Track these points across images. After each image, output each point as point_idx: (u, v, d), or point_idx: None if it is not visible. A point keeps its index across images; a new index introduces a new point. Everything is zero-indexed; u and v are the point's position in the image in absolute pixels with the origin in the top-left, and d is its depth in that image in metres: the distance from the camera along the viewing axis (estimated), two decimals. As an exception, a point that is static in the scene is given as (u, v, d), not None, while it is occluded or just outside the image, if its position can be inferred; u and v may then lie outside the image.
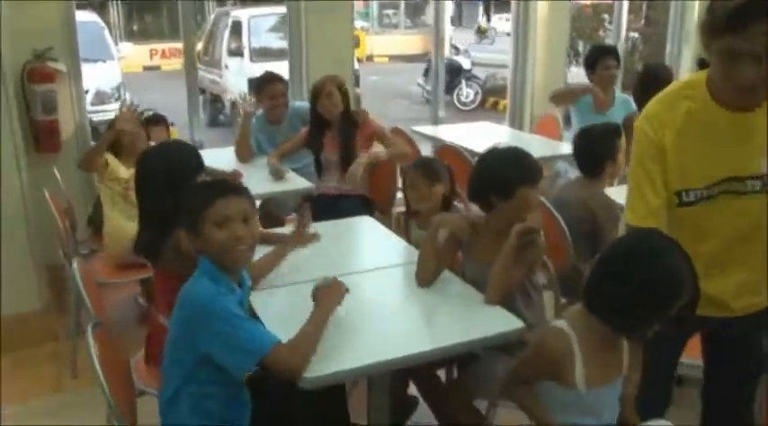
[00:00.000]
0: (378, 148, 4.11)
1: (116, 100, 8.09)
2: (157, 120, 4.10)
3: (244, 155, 4.18)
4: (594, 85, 4.47)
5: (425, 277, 2.39)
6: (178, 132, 5.74)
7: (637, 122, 1.89)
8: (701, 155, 1.77)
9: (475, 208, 2.55)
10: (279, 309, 2.17)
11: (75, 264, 2.43)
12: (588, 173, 3.18)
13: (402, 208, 4.16)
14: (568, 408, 1.77)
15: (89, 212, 4.04)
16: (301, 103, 4.44)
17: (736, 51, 1.56)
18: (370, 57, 19.02)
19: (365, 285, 2.46)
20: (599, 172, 3.14)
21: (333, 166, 3.99)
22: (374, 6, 22.69)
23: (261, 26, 10.64)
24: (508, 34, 11.03)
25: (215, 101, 10.97)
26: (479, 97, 13.12)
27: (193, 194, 1.95)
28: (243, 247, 1.87)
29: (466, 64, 13.27)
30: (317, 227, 2.98)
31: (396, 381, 2.54)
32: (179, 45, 16.58)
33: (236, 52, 10.38)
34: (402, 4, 23.21)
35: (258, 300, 2.18)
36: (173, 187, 2.24)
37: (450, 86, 12.06)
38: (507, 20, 19.79)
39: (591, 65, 4.57)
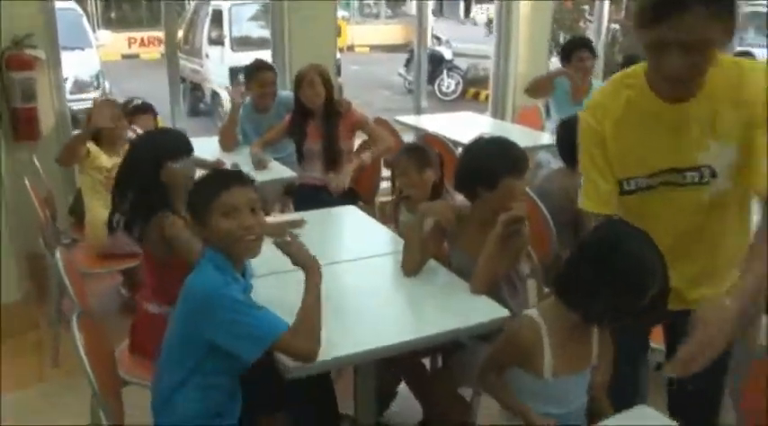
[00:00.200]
0: (360, 138, 4.12)
1: (95, 88, 8.02)
2: (145, 109, 4.06)
3: (229, 144, 4.17)
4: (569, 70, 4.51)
5: (411, 266, 2.40)
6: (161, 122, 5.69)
7: (581, 112, 1.92)
8: (640, 145, 1.78)
9: (460, 198, 2.57)
10: (265, 298, 2.16)
11: (57, 254, 2.41)
12: (570, 164, 3.19)
13: (385, 198, 4.18)
14: (535, 396, 1.80)
15: (70, 202, 4.00)
16: (288, 94, 4.42)
17: (663, 41, 1.56)
18: (350, 47, 18.94)
19: (351, 274, 2.47)
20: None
21: (315, 156, 3.96)
22: (355, -5, 22.62)
23: (242, 15, 10.56)
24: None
25: (195, 90, 10.88)
26: (461, 87, 13.15)
27: (201, 184, 1.96)
28: (251, 236, 1.88)
29: (447, 54, 13.28)
30: (303, 215, 2.98)
31: (379, 369, 2.56)
32: (158, 33, 16.50)
33: (217, 41, 10.29)
34: (383, -6, 23.17)
35: (244, 289, 2.17)
36: (159, 172, 2.32)
37: (432, 76, 12.07)
38: (487, 11, 19.85)
39: (566, 57, 4.61)
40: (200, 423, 1.91)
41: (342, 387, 2.48)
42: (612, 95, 1.83)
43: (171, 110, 4.99)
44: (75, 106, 5.21)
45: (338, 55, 6.26)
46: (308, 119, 3.93)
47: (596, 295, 1.65)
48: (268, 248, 1.98)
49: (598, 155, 1.85)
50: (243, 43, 10.04)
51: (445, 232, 2.47)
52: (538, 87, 4.65)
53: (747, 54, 5.53)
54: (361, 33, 20.17)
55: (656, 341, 2.15)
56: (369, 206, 4.11)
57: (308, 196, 3.86)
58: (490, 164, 2.30)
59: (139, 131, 3.67)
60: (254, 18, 10.63)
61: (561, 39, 10.70)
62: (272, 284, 2.19)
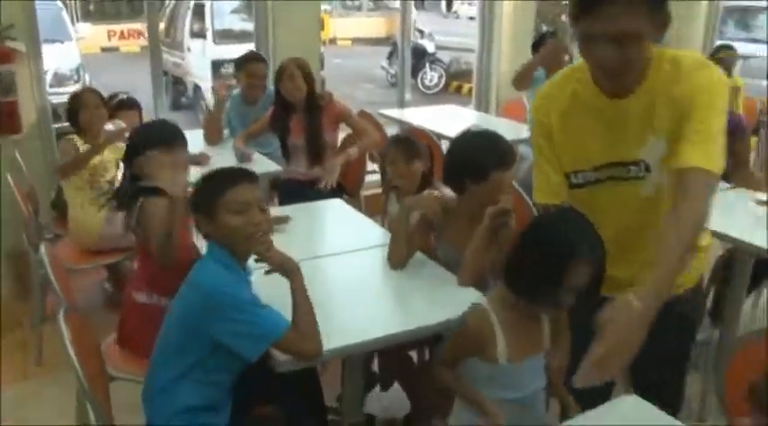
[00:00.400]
0: (344, 132, 4.10)
1: (75, 82, 7.90)
2: (131, 105, 4.00)
3: (213, 137, 4.15)
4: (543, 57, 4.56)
5: (398, 259, 2.41)
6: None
7: (533, 103, 1.93)
8: (585, 138, 1.79)
9: (446, 191, 2.57)
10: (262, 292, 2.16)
11: (42, 249, 2.39)
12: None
13: (371, 191, 4.18)
14: (491, 382, 1.80)
15: (51, 197, 3.96)
16: None
17: (591, 34, 1.57)
18: (333, 40, 18.87)
19: (337, 268, 2.47)
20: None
21: (300, 151, 3.93)
22: (338, -12, 22.50)
23: (224, 7, 10.47)
24: (471, 18, 11.07)
25: (177, 83, 10.79)
26: (443, 81, 13.16)
27: (209, 180, 1.97)
28: (260, 233, 1.90)
29: (430, 47, 13.29)
30: (287, 211, 2.97)
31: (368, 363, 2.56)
32: (138, 26, 16.29)
33: (199, 34, 10.19)
34: (365, -13, 23.06)
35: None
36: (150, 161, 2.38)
37: (415, 70, 12.05)
38: (470, 4, 19.83)
39: (536, 50, 4.69)
40: (194, 417, 1.91)
41: (327, 379, 2.49)
42: (559, 88, 1.84)
43: (154, 104, 4.93)
44: (56, 100, 5.13)
45: (321, 48, 6.23)
46: (290, 113, 3.89)
47: (525, 273, 1.69)
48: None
49: (546, 147, 1.87)
50: (225, 36, 9.96)
51: (432, 225, 2.47)
52: (521, 79, 4.70)
53: (728, 48, 5.59)
54: (344, 26, 20.08)
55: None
56: (354, 199, 4.11)
57: (294, 191, 3.85)
58: (478, 158, 2.31)
59: (122, 124, 3.63)
60: (237, 11, 10.56)
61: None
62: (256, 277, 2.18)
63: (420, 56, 12.51)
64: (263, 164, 3.76)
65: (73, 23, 11.26)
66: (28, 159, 3.73)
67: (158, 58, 4.97)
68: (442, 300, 2.17)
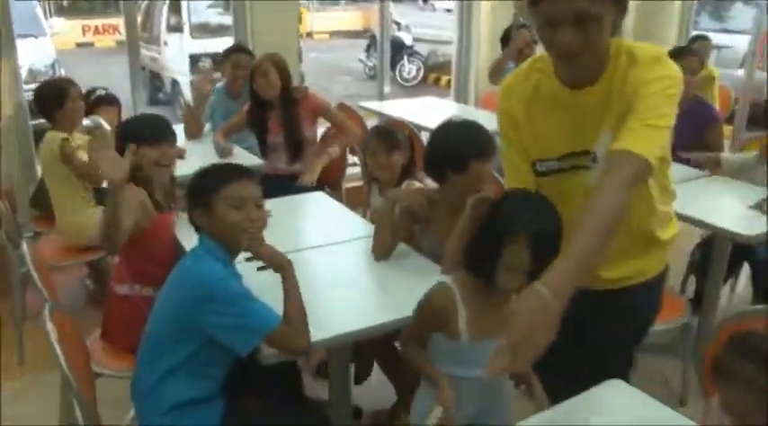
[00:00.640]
0: (324, 125, 4.10)
1: (50, 77, 7.81)
2: (110, 101, 3.96)
3: (194, 131, 4.13)
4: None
5: (382, 251, 2.43)
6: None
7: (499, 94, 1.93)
8: (548, 128, 1.80)
9: (427, 181, 2.59)
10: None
11: (24, 247, 2.37)
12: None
13: (352, 184, 4.18)
14: (453, 359, 1.82)
15: (30, 193, 3.92)
16: None
17: (552, 16, 1.55)
18: (309, 34, 18.80)
19: (321, 260, 2.48)
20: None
21: (280, 148, 3.91)
22: (314, -18, 22.39)
23: (201, 1, 10.41)
24: (448, 10, 11.07)
25: (154, 78, 10.70)
26: (421, 73, 13.18)
27: (207, 173, 1.98)
28: (255, 230, 1.93)
29: (407, 40, 13.29)
30: (269, 204, 2.97)
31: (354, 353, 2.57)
32: (113, 21, 16.06)
33: (176, 28, 10.11)
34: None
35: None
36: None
37: (393, 62, 12.03)
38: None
39: (506, 42, 4.79)
40: (188, 410, 1.92)
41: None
42: (523, 78, 1.84)
43: (132, 99, 4.88)
44: (30, 96, 5.07)
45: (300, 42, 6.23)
46: (267, 111, 3.86)
47: (472, 252, 1.73)
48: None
49: (513, 136, 1.87)
50: (203, 30, 9.92)
51: (415, 216, 2.49)
52: (494, 73, 4.77)
53: (703, 38, 5.65)
54: (321, 20, 20.02)
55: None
56: (336, 191, 4.11)
57: (276, 186, 3.83)
58: (458, 148, 2.33)
59: (100, 120, 3.61)
60: (214, 5, 10.50)
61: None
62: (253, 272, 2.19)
63: (398, 48, 12.50)
64: (244, 159, 3.74)
65: (46, 18, 11.13)
66: (5, 155, 3.69)
67: (136, 53, 4.91)
68: (426, 290, 2.18)
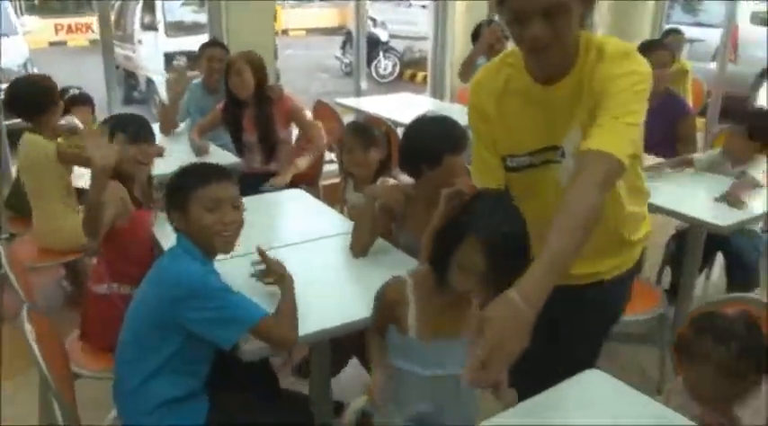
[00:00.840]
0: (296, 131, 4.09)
1: (23, 77, 7.70)
2: (83, 100, 3.92)
3: (168, 128, 4.12)
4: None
5: (360, 248, 2.45)
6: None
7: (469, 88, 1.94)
8: (519, 123, 1.80)
9: (404, 177, 2.61)
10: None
11: (0, 248, 2.36)
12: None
13: (329, 181, 4.18)
14: (400, 352, 1.83)
15: (4, 195, 3.88)
16: None
17: (521, 10, 1.55)
18: (285, 31, 18.72)
19: (300, 256, 2.49)
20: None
21: (254, 147, 3.91)
22: (289, -21, 22.29)
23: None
24: (424, 7, 11.06)
25: (129, 77, 10.60)
26: (397, 69, 13.18)
27: (185, 173, 1.97)
28: (229, 232, 1.93)
29: (383, 36, 13.28)
30: (245, 202, 2.96)
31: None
32: (85, 19, 15.84)
33: (150, 26, 10.01)
34: (317, -23, 22.89)
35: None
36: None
37: (369, 59, 12.00)
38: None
39: (476, 38, 4.81)
40: (174, 408, 1.92)
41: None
42: (494, 72, 1.84)
43: (108, 98, 4.84)
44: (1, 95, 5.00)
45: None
46: (242, 109, 3.84)
47: (431, 252, 1.74)
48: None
49: (483, 131, 1.87)
50: (177, 28, 9.82)
51: (392, 212, 2.50)
52: (464, 70, 4.79)
53: (676, 32, 5.73)
54: (296, 17, 19.93)
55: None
56: (313, 188, 4.11)
57: (252, 184, 3.83)
58: (432, 143, 2.35)
59: (75, 121, 3.58)
60: (188, 3, 10.41)
61: (497, 19, 10.85)
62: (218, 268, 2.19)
63: (374, 45, 12.49)
64: (220, 157, 3.73)
65: (18, 17, 10.98)
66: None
67: (110, 52, 4.86)
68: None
